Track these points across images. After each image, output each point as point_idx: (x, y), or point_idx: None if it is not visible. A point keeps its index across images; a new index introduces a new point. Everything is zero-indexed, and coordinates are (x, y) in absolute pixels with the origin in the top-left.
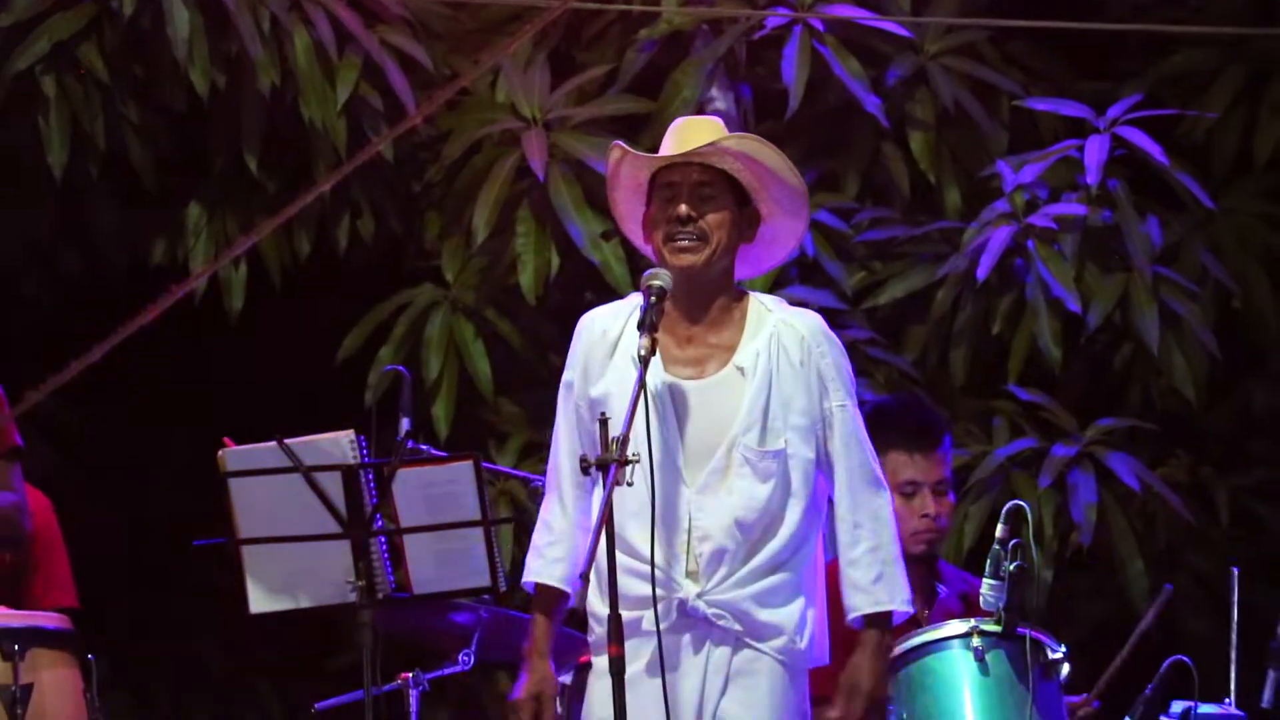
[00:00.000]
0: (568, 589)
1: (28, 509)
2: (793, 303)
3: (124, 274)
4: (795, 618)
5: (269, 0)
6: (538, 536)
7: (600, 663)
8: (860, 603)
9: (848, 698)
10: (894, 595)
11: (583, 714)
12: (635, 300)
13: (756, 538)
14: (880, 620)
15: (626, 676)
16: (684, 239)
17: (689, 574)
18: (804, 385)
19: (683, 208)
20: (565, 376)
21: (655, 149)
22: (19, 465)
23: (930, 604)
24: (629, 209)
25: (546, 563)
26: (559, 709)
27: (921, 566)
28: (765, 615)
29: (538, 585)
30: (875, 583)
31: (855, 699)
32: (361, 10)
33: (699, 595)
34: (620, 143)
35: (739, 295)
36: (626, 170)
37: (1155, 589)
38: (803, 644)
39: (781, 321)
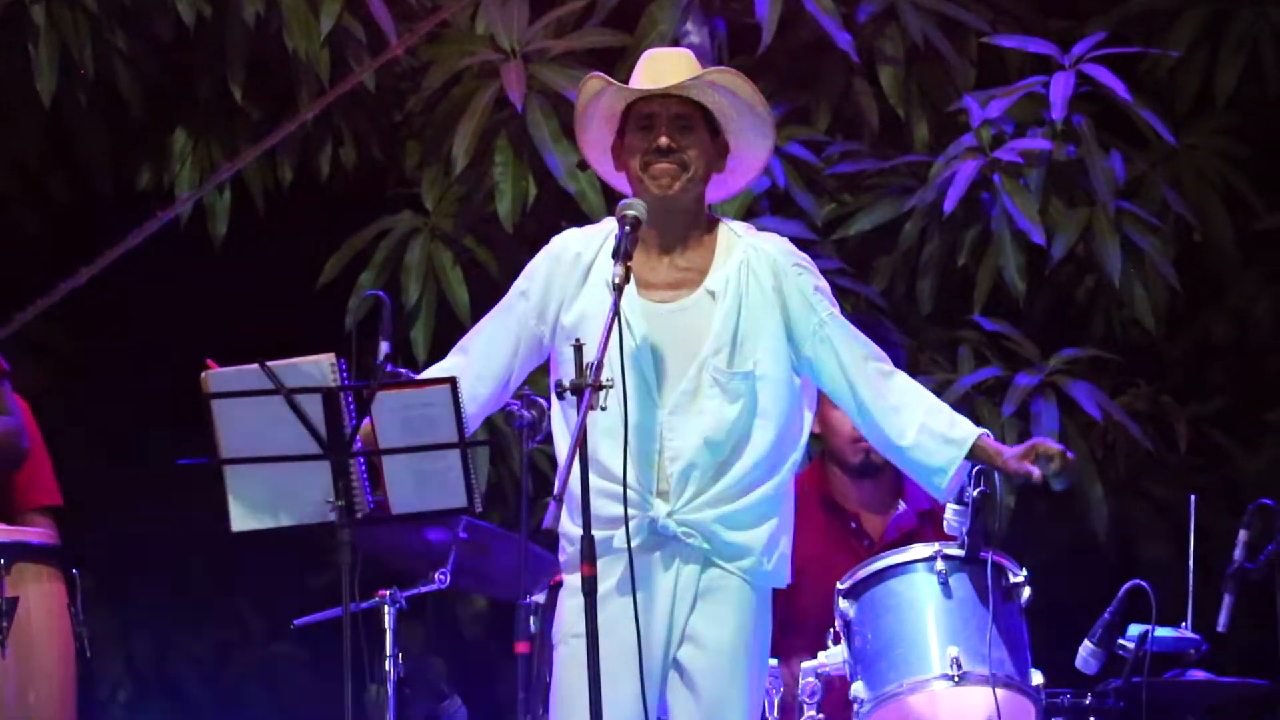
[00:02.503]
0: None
1: (24, 429)
2: (763, 231)
3: (111, 200)
4: (763, 540)
5: None
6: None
7: (572, 580)
8: (954, 452)
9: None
10: (972, 426)
11: (554, 630)
12: (608, 226)
13: (725, 457)
14: (979, 446)
15: (600, 595)
16: (662, 168)
17: (659, 493)
18: (776, 308)
19: (664, 138)
20: (521, 285)
21: (628, 81)
22: (7, 383)
23: (885, 520)
24: (598, 138)
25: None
26: (532, 627)
27: (881, 479)
28: (732, 536)
29: None
30: (953, 426)
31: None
32: None
33: (669, 514)
34: (599, 74)
35: (710, 222)
36: (605, 101)
37: (1115, 516)
38: (770, 565)
39: (751, 247)
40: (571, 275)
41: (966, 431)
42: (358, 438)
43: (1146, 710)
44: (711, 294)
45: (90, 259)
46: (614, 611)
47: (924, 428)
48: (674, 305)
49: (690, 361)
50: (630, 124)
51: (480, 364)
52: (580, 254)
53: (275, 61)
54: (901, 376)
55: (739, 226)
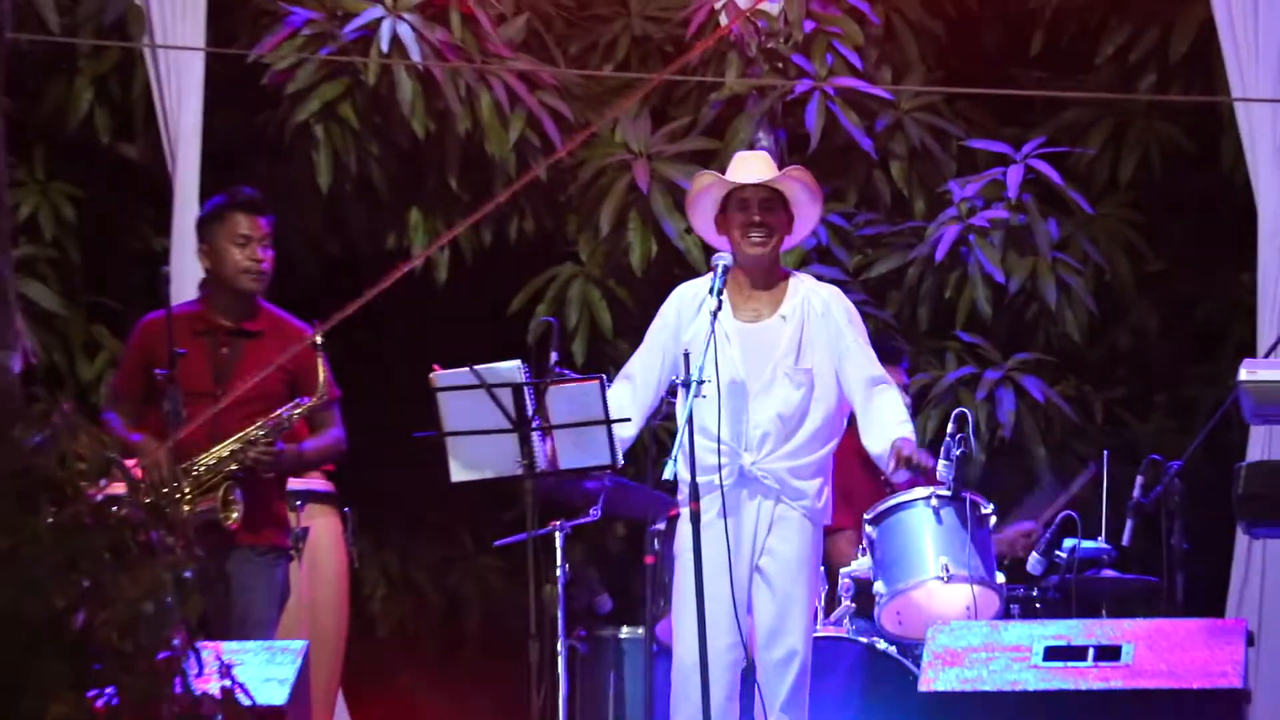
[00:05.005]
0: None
1: (345, 440)
2: (814, 277)
3: (369, 257)
4: (815, 488)
5: (464, 74)
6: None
7: (686, 513)
8: (889, 434)
9: (898, 454)
10: (907, 432)
11: (674, 545)
12: (710, 276)
13: (792, 428)
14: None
15: (702, 523)
16: (757, 236)
17: (747, 448)
18: (825, 330)
19: (758, 215)
20: (659, 321)
21: (722, 172)
22: (337, 406)
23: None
24: (704, 214)
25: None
26: (656, 545)
27: None
28: (796, 483)
29: None
30: (902, 424)
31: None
32: (526, 80)
33: (753, 463)
34: (711, 171)
35: (783, 272)
36: (714, 190)
37: (1054, 469)
38: (820, 505)
39: (810, 290)
40: (690, 309)
41: (896, 434)
42: (536, 417)
43: (1074, 599)
44: (783, 318)
45: (355, 298)
46: (714, 532)
47: (882, 428)
48: (757, 325)
49: (768, 363)
50: (731, 204)
51: (643, 381)
52: (696, 294)
53: (479, 161)
54: (890, 393)
55: (802, 275)
